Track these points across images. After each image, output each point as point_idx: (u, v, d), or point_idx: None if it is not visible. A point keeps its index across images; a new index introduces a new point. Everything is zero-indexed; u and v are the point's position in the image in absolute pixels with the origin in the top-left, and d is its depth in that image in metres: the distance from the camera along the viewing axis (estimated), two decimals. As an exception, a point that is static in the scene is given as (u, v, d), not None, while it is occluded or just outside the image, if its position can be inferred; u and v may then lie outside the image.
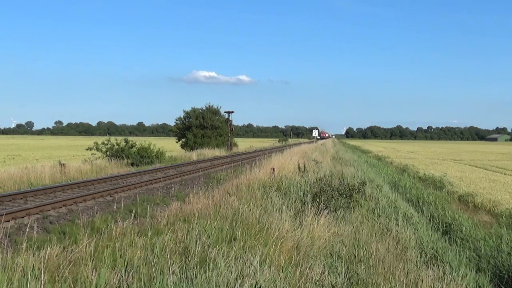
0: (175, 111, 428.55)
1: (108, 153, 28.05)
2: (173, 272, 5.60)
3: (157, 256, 6.38)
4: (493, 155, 63.18)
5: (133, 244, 6.91)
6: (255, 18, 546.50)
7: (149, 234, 7.76)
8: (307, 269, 6.63)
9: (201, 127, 51.33)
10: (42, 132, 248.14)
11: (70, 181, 17.82)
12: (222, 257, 6.25)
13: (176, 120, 55.25)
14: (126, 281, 5.54)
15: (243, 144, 71.80)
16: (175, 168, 24.84)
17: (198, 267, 5.91)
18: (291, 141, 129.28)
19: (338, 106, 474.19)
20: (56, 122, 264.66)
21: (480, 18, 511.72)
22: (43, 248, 6.12)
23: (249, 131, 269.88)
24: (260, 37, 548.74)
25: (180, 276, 5.59)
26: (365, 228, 10.77)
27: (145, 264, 6.08)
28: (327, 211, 11.02)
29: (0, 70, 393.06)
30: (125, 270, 5.83)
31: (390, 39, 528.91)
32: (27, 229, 8.04)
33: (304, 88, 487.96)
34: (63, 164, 20.70)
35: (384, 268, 7.14)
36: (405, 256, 8.93)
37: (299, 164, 20.32)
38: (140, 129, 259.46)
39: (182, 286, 5.38)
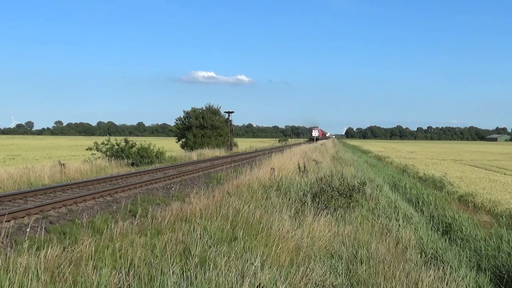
0: (175, 111, 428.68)
1: (108, 153, 28.04)
2: (173, 272, 5.60)
3: (157, 256, 6.39)
4: (493, 155, 63.19)
5: (134, 244, 6.91)
6: (254, 18, 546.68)
7: (150, 234, 7.77)
8: (308, 269, 6.63)
9: (201, 127, 51.33)
10: (42, 132, 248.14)
11: (70, 181, 17.81)
12: (223, 257, 6.26)
13: (176, 120, 55.34)
14: (127, 281, 5.54)
15: (243, 144, 71.78)
16: (175, 168, 24.84)
17: (198, 267, 5.91)
18: (291, 141, 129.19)
19: (338, 106, 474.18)
20: (56, 122, 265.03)
21: (480, 18, 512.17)
22: (44, 248, 6.12)
23: (249, 131, 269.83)
24: (260, 37, 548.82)
25: (181, 276, 5.60)
26: (365, 228, 10.77)
27: (146, 264, 6.08)
28: (327, 211, 11.02)
29: (0, 70, 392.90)
30: (126, 270, 5.83)
31: (390, 39, 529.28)
32: (28, 229, 8.04)
33: (304, 88, 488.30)
34: (63, 164, 20.69)
35: (385, 268, 7.14)
36: (405, 256, 8.93)
37: (299, 164, 20.33)
38: (140, 129, 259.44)
39: (182, 286, 5.38)
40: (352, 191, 12.83)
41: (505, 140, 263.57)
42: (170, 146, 50.05)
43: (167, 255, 6.18)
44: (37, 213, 10.92)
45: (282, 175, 16.99)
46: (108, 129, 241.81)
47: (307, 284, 6.20)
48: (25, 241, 6.69)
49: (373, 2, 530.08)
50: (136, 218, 9.72)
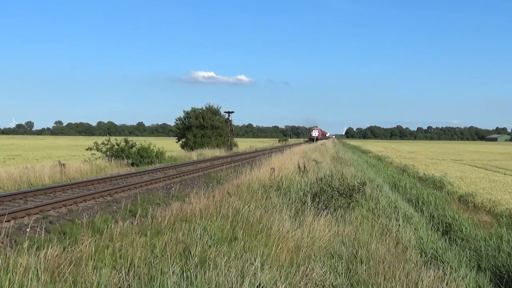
0: (175, 111, 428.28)
1: (108, 153, 28.04)
2: (173, 272, 5.60)
3: (157, 256, 6.39)
4: (493, 155, 63.18)
5: (134, 244, 6.92)
6: (254, 18, 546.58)
7: (150, 234, 7.77)
8: (308, 269, 6.64)
9: (201, 127, 51.38)
10: (42, 132, 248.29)
11: (70, 181, 17.82)
12: (223, 257, 6.26)
13: (176, 120, 55.37)
14: (127, 281, 5.54)
15: (243, 144, 71.81)
16: (175, 168, 24.84)
17: (198, 267, 5.91)
18: (291, 141, 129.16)
19: (338, 106, 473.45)
20: (56, 122, 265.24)
21: (480, 18, 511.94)
22: (44, 248, 6.13)
23: (249, 131, 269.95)
24: (260, 37, 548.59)
25: (181, 276, 5.60)
26: (365, 228, 10.77)
27: (146, 264, 6.09)
28: (327, 211, 11.03)
29: (0, 70, 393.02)
30: (126, 270, 5.83)
31: (390, 39, 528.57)
32: (28, 229, 8.04)
33: (304, 88, 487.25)
34: (63, 164, 20.69)
35: (384, 268, 7.15)
36: (405, 256, 8.93)
37: (299, 164, 20.32)
38: (140, 129, 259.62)
39: (182, 286, 5.38)
40: (352, 191, 12.83)
41: (505, 140, 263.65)
42: (170, 146, 50.05)
43: (167, 255, 6.18)
44: (37, 213, 10.92)
45: (282, 175, 16.99)
46: (108, 129, 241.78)
47: (307, 284, 6.20)
48: (25, 241, 6.69)
49: (373, 2, 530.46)
50: (136, 218, 9.72)
